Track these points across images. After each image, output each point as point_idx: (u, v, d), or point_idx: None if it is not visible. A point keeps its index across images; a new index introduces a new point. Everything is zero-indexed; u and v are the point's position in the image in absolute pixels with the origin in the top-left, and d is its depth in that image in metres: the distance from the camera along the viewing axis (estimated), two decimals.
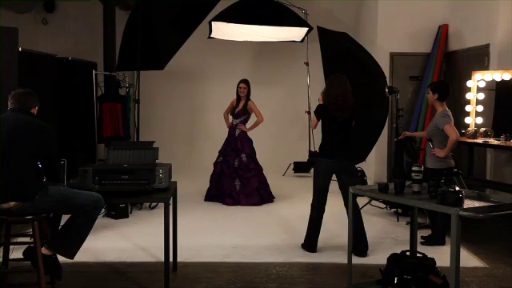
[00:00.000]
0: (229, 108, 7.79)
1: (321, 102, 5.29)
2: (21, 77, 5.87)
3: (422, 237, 5.54)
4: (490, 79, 6.83)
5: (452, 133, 5.29)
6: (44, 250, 3.70)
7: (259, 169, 7.63)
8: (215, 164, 7.71)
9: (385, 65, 8.26)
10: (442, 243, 5.39)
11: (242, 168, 7.47)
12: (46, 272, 3.71)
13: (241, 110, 7.59)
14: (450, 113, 5.42)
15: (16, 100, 3.80)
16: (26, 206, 3.60)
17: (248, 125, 7.67)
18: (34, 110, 3.88)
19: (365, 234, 5.13)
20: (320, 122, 5.30)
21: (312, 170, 5.96)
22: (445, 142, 5.35)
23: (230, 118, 7.75)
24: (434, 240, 5.45)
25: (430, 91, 5.50)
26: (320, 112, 5.24)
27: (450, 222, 3.79)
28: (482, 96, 7.04)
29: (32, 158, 3.67)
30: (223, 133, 7.85)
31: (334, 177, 5.23)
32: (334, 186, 5.16)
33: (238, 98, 7.65)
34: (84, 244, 3.85)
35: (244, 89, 7.56)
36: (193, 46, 8.91)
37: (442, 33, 8.55)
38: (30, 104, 3.85)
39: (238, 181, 7.44)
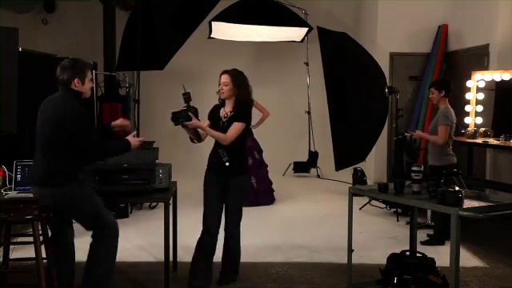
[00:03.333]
0: None
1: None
2: (21, 77, 5.87)
3: (428, 235, 5.58)
4: (490, 79, 6.84)
5: (442, 136, 5.33)
6: None
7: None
8: None
9: (385, 65, 8.27)
10: (442, 243, 5.39)
11: (257, 166, 7.29)
12: None
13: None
14: (451, 111, 5.44)
15: (56, 77, 3.63)
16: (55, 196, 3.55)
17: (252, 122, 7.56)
18: (75, 83, 3.58)
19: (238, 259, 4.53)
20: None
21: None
22: None
23: None
24: (434, 240, 5.46)
25: (434, 90, 5.50)
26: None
27: (448, 222, 3.80)
28: (481, 96, 7.04)
29: (61, 147, 3.56)
30: None
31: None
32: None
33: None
34: (84, 244, 3.85)
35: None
36: (193, 46, 8.91)
37: (442, 33, 8.55)
38: (66, 79, 3.58)
39: (254, 179, 7.20)
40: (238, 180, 4.24)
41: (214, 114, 4.35)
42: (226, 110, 4.27)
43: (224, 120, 4.25)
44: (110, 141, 3.89)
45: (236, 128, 4.14)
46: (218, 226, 4.31)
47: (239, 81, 4.25)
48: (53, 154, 3.57)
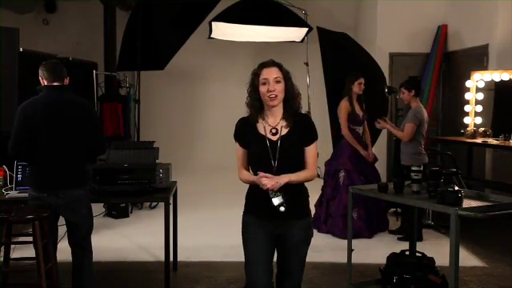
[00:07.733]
0: (346, 118, 5.97)
1: None
2: (21, 77, 5.88)
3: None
4: (489, 79, 6.85)
5: (407, 133, 5.44)
6: None
7: None
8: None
9: (384, 65, 8.26)
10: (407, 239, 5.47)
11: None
12: None
13: (364, 113, 6.07)
14: (422, 111, 5.52)
15: (50, 73, 3.81)
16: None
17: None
18: (67, 80, 3.83)
19: None
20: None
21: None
22: (415, 136, 5.47)
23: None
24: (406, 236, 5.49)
25: (404, 90, 5.61)
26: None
27: (413, 219, 3.82)
28: (481, 96, 7.06)
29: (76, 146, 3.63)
30: (223, 132, 7.82)
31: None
32: None
33: (351, 98, 5.94)
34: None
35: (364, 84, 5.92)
36: (193, 45, 8.91)
37: (442, 33, 8.56)
38: (65, 76, 3.85)
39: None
40: (302, 224, 2.91)
41: (248, 133, 2.89)
42: (273, 124, 2.87)
43: (275, 139, 2.84)
44: None
45: (315, 154, 2.96)
46: (270, 278, 2.97)
47: (290, 77, 2.88)
48: (77, 153, 3.63)
